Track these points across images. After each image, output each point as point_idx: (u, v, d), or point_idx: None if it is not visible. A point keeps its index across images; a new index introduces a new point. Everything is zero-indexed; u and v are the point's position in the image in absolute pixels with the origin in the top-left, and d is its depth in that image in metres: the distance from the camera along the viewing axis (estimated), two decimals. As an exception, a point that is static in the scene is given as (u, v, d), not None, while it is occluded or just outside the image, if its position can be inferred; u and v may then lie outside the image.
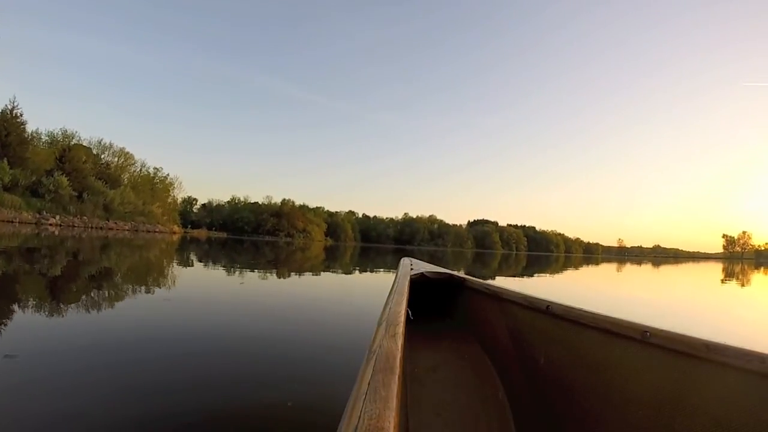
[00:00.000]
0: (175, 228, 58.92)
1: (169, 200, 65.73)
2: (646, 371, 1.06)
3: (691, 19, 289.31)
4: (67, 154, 42.90)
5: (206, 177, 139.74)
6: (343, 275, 8.72)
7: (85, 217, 40.70)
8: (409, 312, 1.54)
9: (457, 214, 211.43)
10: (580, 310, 1.30)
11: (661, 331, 1.04)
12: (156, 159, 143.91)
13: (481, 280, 2.25)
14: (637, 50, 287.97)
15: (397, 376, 0.64)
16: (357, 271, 9.94)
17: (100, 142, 53.90)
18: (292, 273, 8.58)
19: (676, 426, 0.96)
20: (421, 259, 3.32)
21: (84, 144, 51.20)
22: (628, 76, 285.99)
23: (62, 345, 2.47)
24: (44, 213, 36.19)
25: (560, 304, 1.41)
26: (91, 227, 38.77)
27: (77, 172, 42.71)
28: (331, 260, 14.77)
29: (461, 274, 2.50)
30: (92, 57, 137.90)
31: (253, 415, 1.72)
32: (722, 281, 15.04)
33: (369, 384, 0.62)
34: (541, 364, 1.44)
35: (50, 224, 34.21)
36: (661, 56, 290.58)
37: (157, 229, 50.78)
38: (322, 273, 8.97)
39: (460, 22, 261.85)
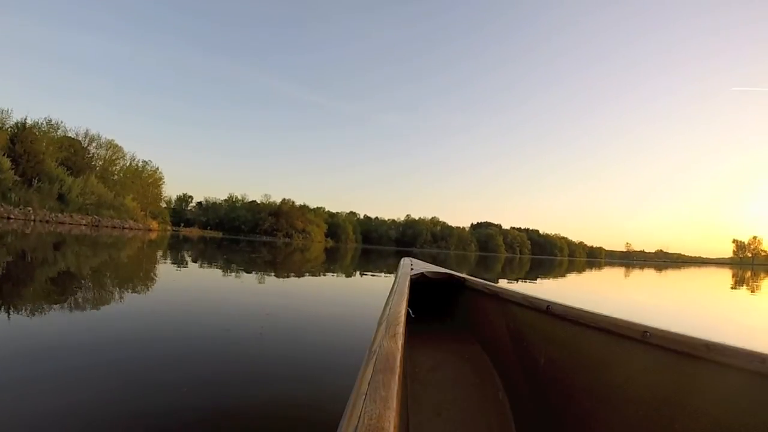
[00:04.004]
0: (153, 224, 52.53)
1: (152, 193, 59.76)
2: (646, 371, 1.06)
3: (695, 23, 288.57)
4: (20, 134, 36.56)
5: (204, 175, 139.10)
6: (344, 278, 8.57)
7: (29, 209, 33.64)
8: (410, 311, 1.56)
9: (460, 216, 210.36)
10: (580, 310, 1.30)
11: (661, 331, 1.04)
12: (153, 156, 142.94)
13: (481, 280, 2.23)
14: (641, 54, 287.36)
15: (397, 376, 0.64)
16: (357, 274, 9.78)
17: (86, 133, 50.67)
18: (291, 275, 8.45)
19: (677, 426, 0.96)
20: (423, 262, 3.27)
21: (71, 135, 48.54)
22: (633, 80, 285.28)
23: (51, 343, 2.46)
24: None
25: (560, 304, 1.41)
26: (34, 220, 32.22)
27: (31, 156, 36.20)
28: (332, 262, 14.51)
29: (461, 273, 2.48)
30: (90, 55, 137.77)
31: (253, 415, 1.73)
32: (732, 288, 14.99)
33: (369, 384, 0.61)
34: (541, 364, 1.44)
35: (-30, 216, 27.96)
36: (665, 60, 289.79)
37: (127, 225, 44.02)
38: (321, 275, 8.81)
39: (462, 26, 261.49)
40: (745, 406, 0.86)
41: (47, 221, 33.30)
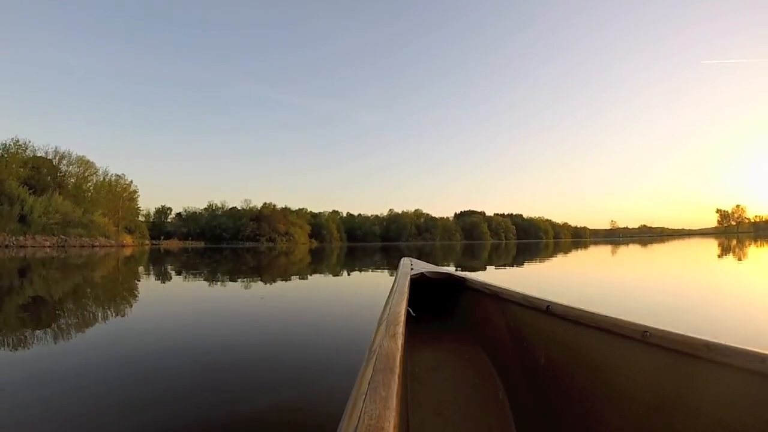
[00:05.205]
0: (127, 240, 51.34)
1: (126, 207, 57.66)
2: (646, 371, 1.05)
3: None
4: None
5: (183, 186, 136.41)
6: (332, 277, 8.49)
7: (-13, 233, 31.59)
8: (410, 311, 1.54)
9: (443, 207, 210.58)
10: (580, 310, 1.29)
11: (661, 331, 1.03)
12: (129, 170, 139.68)
13: (481, 280, 2.23)
14: (616, 32, 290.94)
15: (397, 376, 0.65)
16: (345, 272, 9.70)
17: (56, 151, 49.42)
18: (278, 279, 8.40)
19: (677, 426, 0.96)
20: (410, 255, 3.39)
21: (40, 155, 47.19)
22: (606, 60, 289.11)
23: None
24: None
25: (560, 304, 1.40)
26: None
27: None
28: (318, 263, 14.32)
29: (461, 273, 2.47)
30: (58, 66, 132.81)
31: (253, 416, 1.75)
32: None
33: (369, 384, 0.62)
34: (541, 364, 1.44)
35: None
36: (638, 37, 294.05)
37: (97, 243, 41.87)
38: (309, 277, 8.72)
39: (440, 20, 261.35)
40: (745, 406, 0.85)
41: (7, 246, 31.57)
